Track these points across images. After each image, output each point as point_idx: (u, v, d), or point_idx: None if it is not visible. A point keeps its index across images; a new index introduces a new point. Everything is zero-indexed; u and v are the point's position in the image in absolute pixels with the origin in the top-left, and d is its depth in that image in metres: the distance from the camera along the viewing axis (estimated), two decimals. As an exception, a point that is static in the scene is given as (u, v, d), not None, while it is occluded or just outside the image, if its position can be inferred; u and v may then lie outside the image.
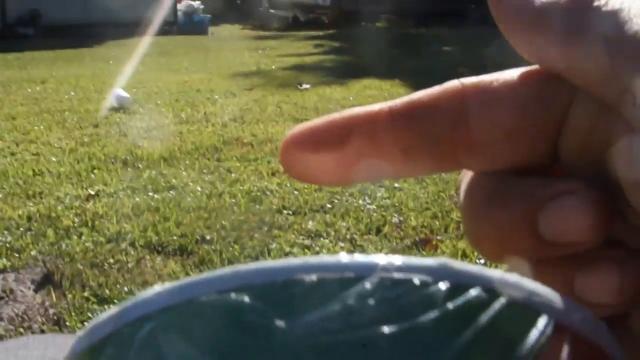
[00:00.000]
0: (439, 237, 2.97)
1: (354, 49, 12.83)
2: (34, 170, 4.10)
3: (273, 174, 4.00)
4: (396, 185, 3.60)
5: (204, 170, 4.10)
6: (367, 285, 0.17)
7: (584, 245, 0.23)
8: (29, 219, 3.24)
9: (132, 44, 13.61)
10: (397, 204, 3.40)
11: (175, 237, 2.97)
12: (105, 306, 2.36)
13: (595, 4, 0.23)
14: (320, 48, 14.12)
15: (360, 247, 2.92)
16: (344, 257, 0.18)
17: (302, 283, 0.17)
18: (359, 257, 0.18)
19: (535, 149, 0.25)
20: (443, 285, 0.17)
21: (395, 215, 3.26)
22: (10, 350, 0.60)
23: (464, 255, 2.72)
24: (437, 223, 3.15)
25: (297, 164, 0.26)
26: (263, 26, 20.43)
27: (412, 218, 3.22)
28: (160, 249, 2.86)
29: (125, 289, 2.48)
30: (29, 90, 7.65)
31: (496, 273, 0.18)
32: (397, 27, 17.49)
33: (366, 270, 0.17)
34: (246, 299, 0.17)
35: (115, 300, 2.40)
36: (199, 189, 3.70)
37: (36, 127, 5.46)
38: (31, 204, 3.46)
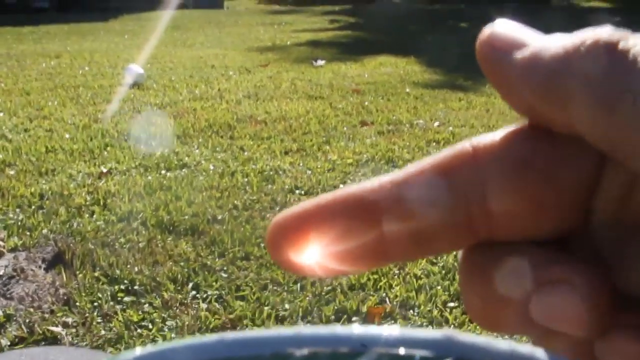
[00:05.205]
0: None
1: (370, 25, 12.75)
2: (46, 147, 4.10)
3: (286, 153, 3.98)
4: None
5: (217, 148, 4.09)
6: None
7: (580, 336, 0.21)
8: (41, 196, 3.24)
9: (147, 18, 13.60)
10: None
11: (186, 217, 2.95)
12: (115, 286, 2.36)
13: (632, 57, 0.20)
14: (335, 24, 14.04)
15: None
16: (339, 329, 0.16)
17: (292, 358, 0.16)
18: (356, 329, 0.17)
19: (564, 217, 0.22)
20: None
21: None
22: None
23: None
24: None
25: (286, 256, 0.23)
26: (279, 0, 20.33)
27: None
28: (171, 228, 2.85)
29: (136, 268, 2.47)
30: (44, 65, 7.65)
31: (505, 345, 0.17)
32: (413, 3, 17.35)
33: (363, 345, 0.16)
34: None
35: (125, 281, 2.39)
36: (212, 167, 3.69)
37: (50, 103, 5.46)
38: (43, 182, 3.46)
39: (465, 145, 0.23)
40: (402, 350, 0.16)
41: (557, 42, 0.21)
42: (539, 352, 0.17)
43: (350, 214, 0.23)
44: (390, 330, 0.16)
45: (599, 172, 0.22)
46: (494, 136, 0.23)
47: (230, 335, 0.17)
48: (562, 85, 0.20)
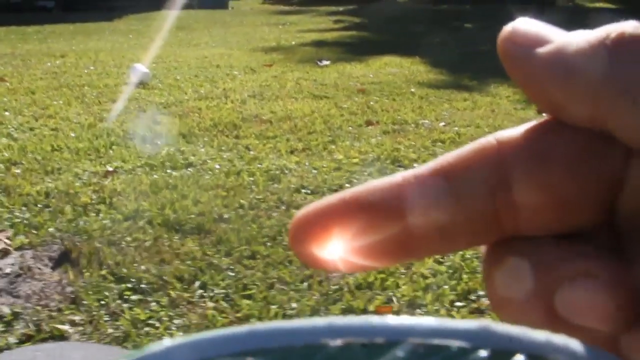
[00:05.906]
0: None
1: (375, 26, 12.75)
2: (52, 146, 4.10)
3: (292, 152, 3.98)
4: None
5: (223, 148, 4.09)
6: (399, 353, 0.15)
7: (605, 331, 0.21)
8: (47, 195, 3.24)
9: (152, 18, 13.62)
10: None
11: (192, 216, 2.95)
12: (122, 285, 2.36)
13: None
14: (340, 24, 14.05)
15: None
16: (373, 319, 0.16)
17: (325, 349, 0.16)
18: (390, 319, 0.16)
19: (588, 211, 0.22)
20: (483, 352, 0.16)
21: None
22: None
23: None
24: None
25: (308, 251, 0.23)
26: (284, 0, 20.35)
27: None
28: (177, 227, 2.85)
29: (142, 267, 2.47)
30: (49, 64, 7.66)
31: (542, 336, 0.17)
32: (417, 3, 17.36)
33: (398, 335, 0.16)
34: None
35: (132, 279, 2.39)
36: (217, 166, 3.69)
37: (55, 102, 5.47)
38: (49, 180, 3.46)
39: (489, 139, 0.23)
40: (437, 341, 0.16)
41: (581, 37, 0.21)
42: (574, 342, 0.17)
43: (374, 208, 0.22)
44: (425, 320, 0.16)
45: (624, 165, 0.21)
46: (518, 130, 0.23)
47: (261, 326, 0.16)
48: (586, 79, 0.20)
